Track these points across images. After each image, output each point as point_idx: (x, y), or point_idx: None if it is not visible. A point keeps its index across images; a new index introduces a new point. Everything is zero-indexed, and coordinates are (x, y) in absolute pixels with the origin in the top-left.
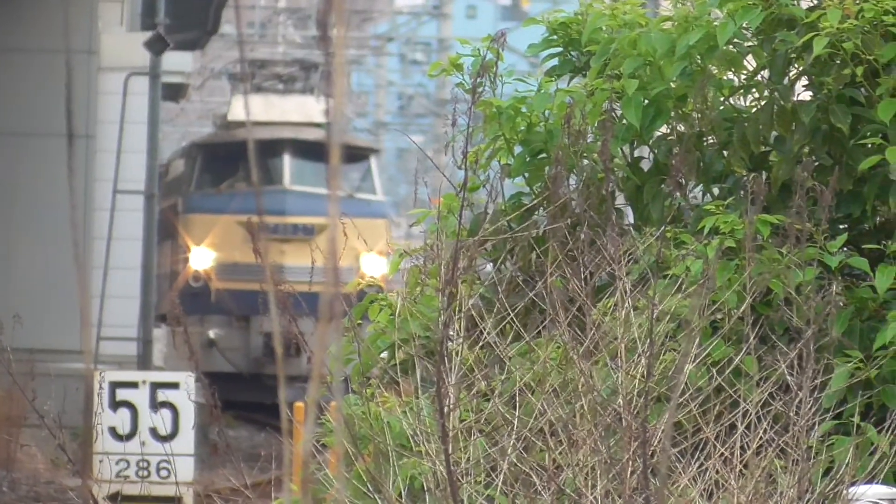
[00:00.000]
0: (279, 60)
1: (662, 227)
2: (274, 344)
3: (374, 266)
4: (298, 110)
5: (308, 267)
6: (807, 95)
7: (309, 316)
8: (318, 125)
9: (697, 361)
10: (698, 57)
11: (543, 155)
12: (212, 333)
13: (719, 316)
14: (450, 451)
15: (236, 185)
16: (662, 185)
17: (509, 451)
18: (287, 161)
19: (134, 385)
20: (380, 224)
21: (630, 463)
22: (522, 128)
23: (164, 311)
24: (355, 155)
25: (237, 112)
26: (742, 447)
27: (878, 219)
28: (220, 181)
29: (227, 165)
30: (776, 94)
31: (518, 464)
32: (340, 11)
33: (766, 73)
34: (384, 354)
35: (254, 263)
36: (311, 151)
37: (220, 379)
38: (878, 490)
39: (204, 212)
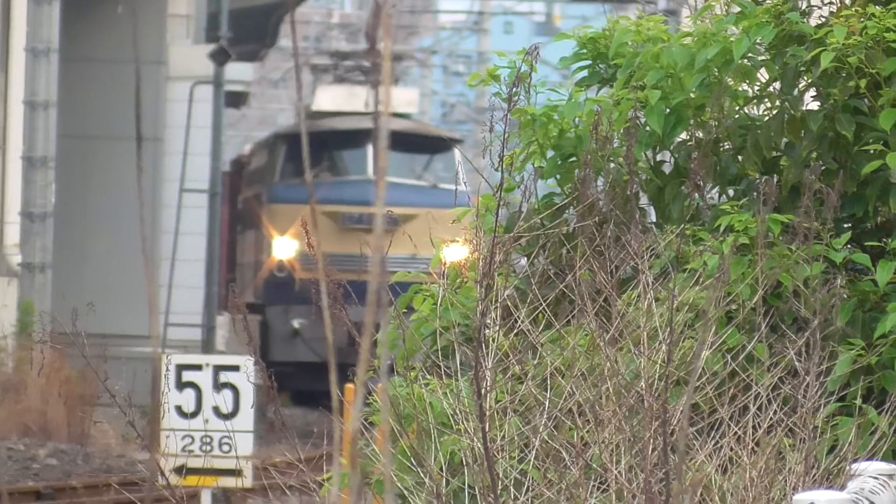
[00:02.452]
0: (361, 52)
1: (682, 226)
2: (358, 333)
3: (457, 256)
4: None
5: (392, 257)
6: (815, 105)
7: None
8: (402, 115)
9: (713, 348)
10: (715, 70)
11: (573, 158)
12: (296, 323)
13: (733, 307)
14: (486, 430)
15: (320, 174)
16: (682, 187)
17: (541, 429)
18: (370, 151)
19: (198, 367)
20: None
21: (651, 441)
22: (554, 134)
23: (246, 300)
24: (440, 146)
25: (321, 102)
26: (754, 427)
27: (879, 218)
28: (303, 171)
29: (310, 155)
30: (787, 103)
31: (549, 441)
32: (387, 26)
33: (777, 84)
34: (427, 341)
35: (339, 253)
36: (396, 141)
37: (305, 369)
38: (878, 466)
39: (288, 202)
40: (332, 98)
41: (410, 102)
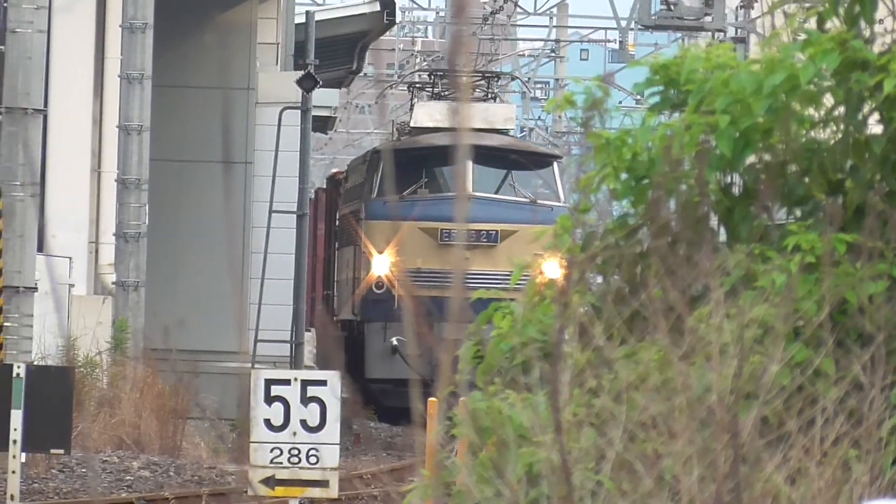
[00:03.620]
0: (454, 71)
1: (751, 245)
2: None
3: (554, 272)
4: (481, 117)
5: (491, 273)
6: (878, 129)
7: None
8: (500, 131)
9: (782, 363)
10: (782, 95)
11: (646, 180)
12: (394, 340)
13: (801, 323)
14: (563, 442)
15: (419, 191)
16: (751, 208)
17: (616, 441)
18: (469, 167)
19: (287, 382)
20: None
21: (722, 452)
22: (628, 157)
23: (345, 316)
24: (539, 162)
25: (419, 119)
26: (821, 439)
27: None
28: (402, 188)
29: (408, 172)
30: (851, 127)
31: (623, 453)
32: (468, 54)
33: (842, 109)
34: (506, 356)
35: (438, 269)
36: (494, 157)
37: (403, 385)
38: None
39: (385, 218)
40: (430, 114)
41: (508, 119)
